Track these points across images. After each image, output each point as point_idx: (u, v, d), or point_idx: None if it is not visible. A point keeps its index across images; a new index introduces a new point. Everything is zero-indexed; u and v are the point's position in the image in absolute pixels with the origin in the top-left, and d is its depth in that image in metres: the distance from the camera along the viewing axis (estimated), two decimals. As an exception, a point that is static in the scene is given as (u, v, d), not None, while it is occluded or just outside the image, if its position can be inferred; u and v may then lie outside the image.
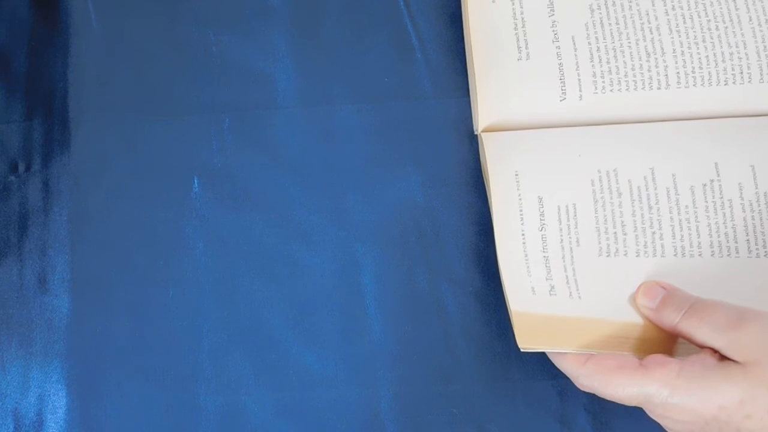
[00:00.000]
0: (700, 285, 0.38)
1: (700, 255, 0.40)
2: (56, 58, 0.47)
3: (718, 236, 0.40)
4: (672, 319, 0.37)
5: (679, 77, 0.43)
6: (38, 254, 0.45)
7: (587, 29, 0.44)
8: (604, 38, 0.44)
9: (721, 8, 0.44)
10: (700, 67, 0.43)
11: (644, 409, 0.36)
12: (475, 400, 0.42)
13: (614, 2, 0.44)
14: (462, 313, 0.43)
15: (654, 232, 0.40)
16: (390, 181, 0.45)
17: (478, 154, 0.45)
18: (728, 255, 0.40)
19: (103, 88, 0.47)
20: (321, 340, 0.43)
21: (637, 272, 0.40)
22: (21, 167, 0.46)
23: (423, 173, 0.45)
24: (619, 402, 0.36)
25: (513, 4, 0.45)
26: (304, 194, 0.45)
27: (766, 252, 0.40)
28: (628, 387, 0.35)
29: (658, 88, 0.43)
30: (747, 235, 0.40)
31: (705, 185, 0.41)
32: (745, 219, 0.40)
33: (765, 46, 0.43)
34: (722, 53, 0.43)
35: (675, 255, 0.40)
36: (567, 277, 0.40)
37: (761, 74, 0.42)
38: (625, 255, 0.40)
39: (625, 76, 0.43)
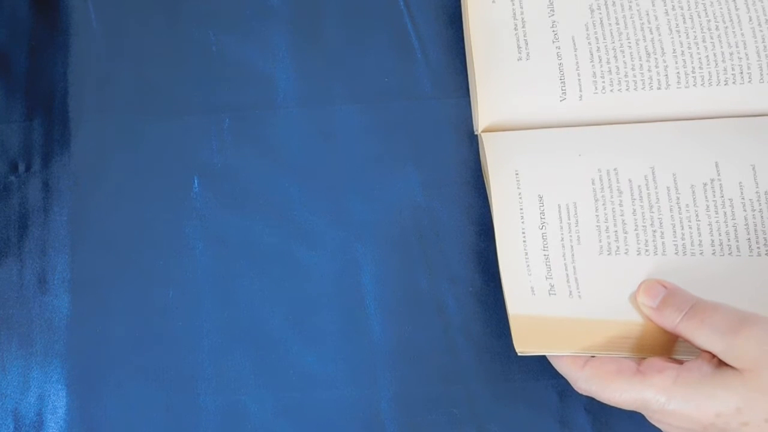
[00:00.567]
0: (701, 283, 0.38)
1: (701, 253, 0.40)
2: (56, 58, 0.47)
3: (719, 235, 0.40)
4: (672, 319, 0.36)
5: (679, 77, 0.43)
6: (38, 254, 0.45)
7: (587, 29, 0.44)
8: (604, 38, 0.44)
9: (721, 8, 0.44)
10: (700, 67, 0.43)
11: (643, 413, 0.36)
12: (475, 400, 0.42)
13: (614, 2, 0.44)
14: (462, 313, 0.43)
15: (655, 231, 0.40)
16: (390, 181, 0.45)
17: (478, 154, 0.45)
18: (729, 254, 0.40)
19: (103, 88, 0.47)
20: (321, 340, 0.43)
21: (637, 271, 0.40)
22: (21, 167, 0.46)
23: (423, 173, 0.45)
24: (617, 406, 0.36)
25: (513, 4, 0.45)
26: (304, 194, 0.45)
27: (767, 250, 0.40)
28: (626, 392, 0.35)
29: (658, 88, 0.43)
30: (748, 233, 0.40)
31: (705, 184, 0.41)
32: (746, 218, 0.40)
33: (765, 46, 0.43)
34: (722, 53, 0.43)
35: (676, 253, 0.40)
36: (567, 275, 0.40)
37: (761, 74, 0.42)
38: (626, 253, 0.40)
39: (625, 76, 0.43)
